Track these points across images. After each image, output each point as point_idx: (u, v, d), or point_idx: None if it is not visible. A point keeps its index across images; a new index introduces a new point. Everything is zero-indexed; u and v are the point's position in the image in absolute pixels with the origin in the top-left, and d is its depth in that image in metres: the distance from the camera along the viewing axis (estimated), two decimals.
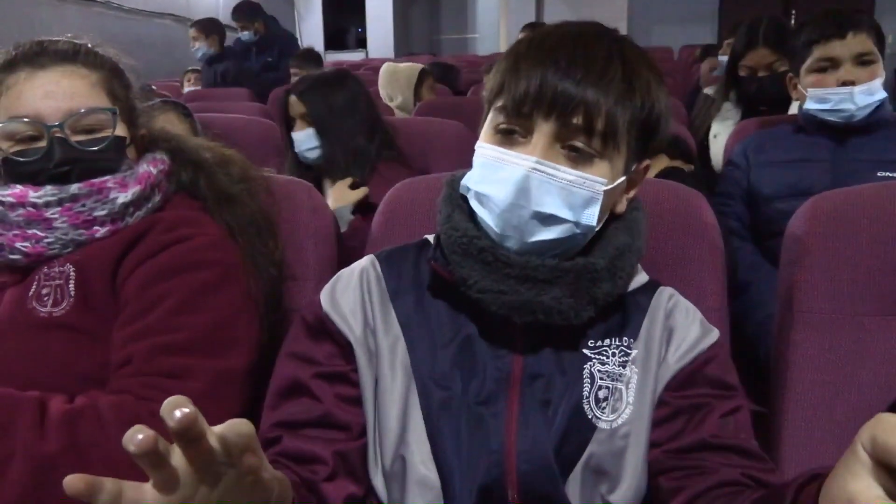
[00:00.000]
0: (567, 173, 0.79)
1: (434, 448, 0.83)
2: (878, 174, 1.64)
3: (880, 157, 1.66)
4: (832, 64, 1.70)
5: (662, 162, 1.85)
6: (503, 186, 0.80)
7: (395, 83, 3.57)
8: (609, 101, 0.78)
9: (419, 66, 3.65)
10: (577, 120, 0.78)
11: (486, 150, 0.83)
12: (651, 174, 1.76)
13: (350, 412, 0.87)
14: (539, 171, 0.79)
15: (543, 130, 0.79)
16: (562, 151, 0.80)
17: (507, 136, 0.82)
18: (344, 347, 0.88)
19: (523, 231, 0.80)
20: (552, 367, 0.85)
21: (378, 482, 0.87)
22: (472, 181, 0.85)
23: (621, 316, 0.88)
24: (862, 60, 1.68)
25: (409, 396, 0.86)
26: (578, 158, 0.80)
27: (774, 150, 1.81)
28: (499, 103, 0.82)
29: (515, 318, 0.82)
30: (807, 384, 1.10)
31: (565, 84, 0.78)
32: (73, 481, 0.50)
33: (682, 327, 0.88)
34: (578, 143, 0.79)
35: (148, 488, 0.52)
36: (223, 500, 0.54)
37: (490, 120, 0.85)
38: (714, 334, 0.88)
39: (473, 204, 0.85)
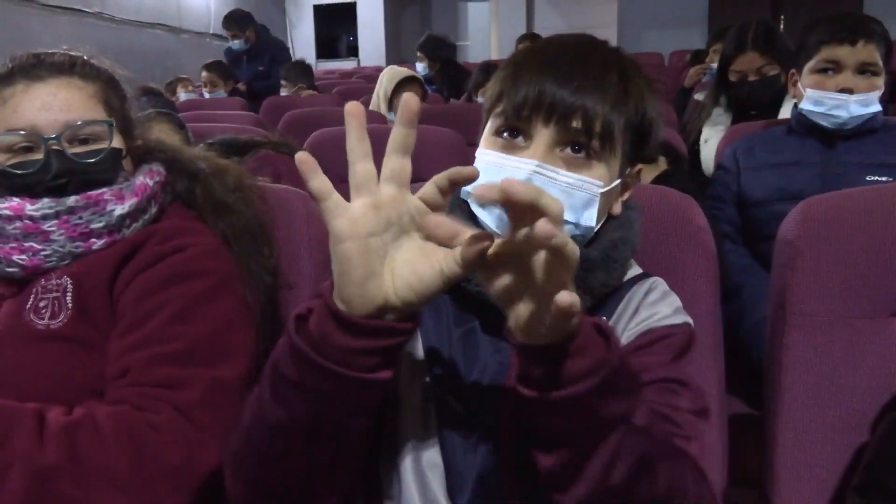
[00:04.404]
0: (566, 176, 0.81)
1: (441, 432, 0.85)
2: (868, 178, 1.65)
3: (870, 161, 1.68)
4: (835, 68, 1.71)
5: (660, 166, 1.86)
6: None
7: (378, 86, 3.57)
8: (605, 106, 0.81)
9: (406, 72, 3.64)
10: (575, 124, 0.80)
11: (486, 156, 0.85)
12: (647, 177, 1.78)
13: None
14: (540, 174, 0.80)
15: (543, 135, 0.81)
16: (560, 155, 0.82)
17: (507, 142, 0.84)
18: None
19: None
20: None
21: (381, 466, 0.88)
22: (472, 186, 0.86)
23: (611, 302, 0.90)
24: (865, 70, 1.68)
25: (423, 380, 0.87)
26: (576, 162, 0.82)
27: (764, 154, 1.82)
28: (498, 110, 0.85)
29: None
30: (800, 386, 1.11)
31: (564, 91, 0.80)
32: (303, 155, 0.61)
33: (652, 304, 0.89)
34: (576, 148, 0.82)
35: (356, 206, 0.62)
36: (398, 256, 0.63)
37: (489, 127, 0.87)
38: (681, 318, 0.88)
39: (474, 207, 0.87)
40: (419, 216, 0.63)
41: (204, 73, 4.95)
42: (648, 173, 1.82)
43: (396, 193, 0.63)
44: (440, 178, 0.63)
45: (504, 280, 0.62)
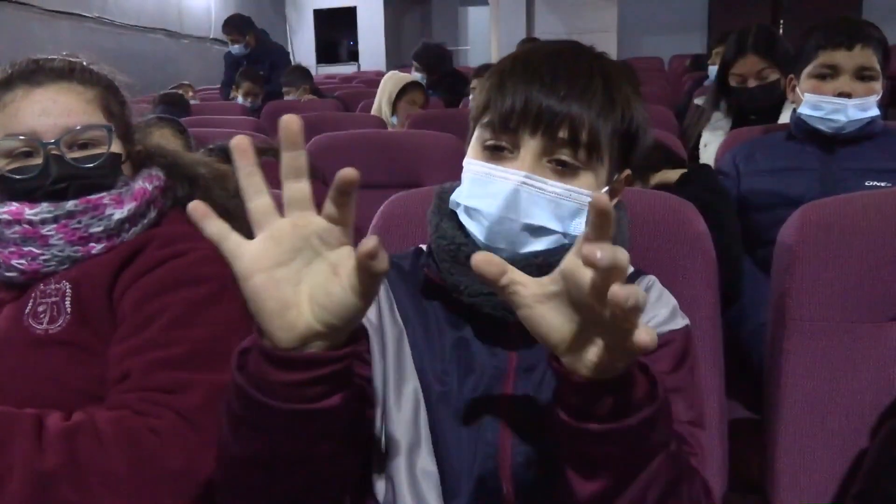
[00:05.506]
0: (555, 186, 0.81)
1: (434, 439, 0.85)
2: (867, 183, 1.65)
3: (869, 167, 1.68)
4: (833, 72, 1.71)
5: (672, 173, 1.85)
6: (492, 200, 0.82)
7: (381, 90, 3.57)
8: (592, 114, 0.81)
9: (409, 77, 3.65)
10: (562, 134, 0.80)
11: (474, 165, 0.85)
12: (661, 178, 1.77)
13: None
14: (528, 185, 0.80)
15: (530, 146, 0.81)
16: (548, 165, 0.82)
17: (495, 152, 0.84)
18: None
19: (515, 243, 0.82)
20: (543, 358, 0.86)
21: (375, 476, 0.88)
22: (461, 196, 0.86)
23: None
24: (863, 75, 1.69)
25: (412, 388, 0.87)
26: (564, 171, 0.82)
27: (764, 159, 1.82)
28: (485, 119, 0.85)
29: (509, 318, 0.82)
30: (800, 392, 1.11)
31: (550, 100, 0.80)
32: (195, 204, 0.61)
33: (651, 308, 0.88)
34: (564, 157, 0.81)
35: (256, 241, 0.62)
36: (312, 280, 0.62)
37: (477, 136, 0.87)
38: (679, 321, 0.88)
39: (463, 217, 0.87)
40: (326, 235, 0.62)
41: (246, 84, 4.87)
42: (670, 176, 1.82)
43: (297, 219, 0.62)
44: (331, 191, 0.60)
45: (564, 321, 0.61)
